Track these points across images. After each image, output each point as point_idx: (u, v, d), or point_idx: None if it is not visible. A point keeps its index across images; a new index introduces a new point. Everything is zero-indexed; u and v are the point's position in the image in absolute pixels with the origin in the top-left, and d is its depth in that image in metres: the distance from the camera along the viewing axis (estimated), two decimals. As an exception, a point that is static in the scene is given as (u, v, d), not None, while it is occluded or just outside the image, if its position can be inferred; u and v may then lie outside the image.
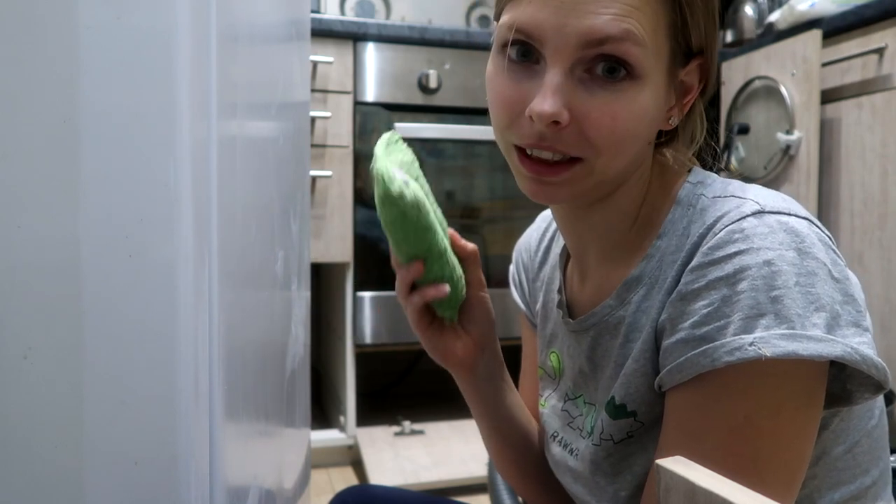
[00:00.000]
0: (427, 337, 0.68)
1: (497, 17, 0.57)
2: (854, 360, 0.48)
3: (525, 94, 0.53)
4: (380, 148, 0.60)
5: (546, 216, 0.78)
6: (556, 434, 0.69)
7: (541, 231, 0.78)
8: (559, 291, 0.69)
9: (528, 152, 0.54)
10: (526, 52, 0.53)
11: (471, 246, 0.67)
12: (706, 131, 0.64)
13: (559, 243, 0.73)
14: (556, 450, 0.69)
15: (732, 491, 0.27)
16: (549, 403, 0.72)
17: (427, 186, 0.64)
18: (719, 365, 0.48)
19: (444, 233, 0.63)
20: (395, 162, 0.60)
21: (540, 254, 0.76)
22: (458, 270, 0.65)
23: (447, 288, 0.63)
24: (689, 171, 0.62)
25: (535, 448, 0.77)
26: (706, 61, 0.57)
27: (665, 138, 0.62)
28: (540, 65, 0.53)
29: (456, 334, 0.68)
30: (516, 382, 0.84)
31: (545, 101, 0.51)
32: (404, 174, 0.58)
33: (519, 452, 0.77)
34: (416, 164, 0.64)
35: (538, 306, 0.75)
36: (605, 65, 0.51)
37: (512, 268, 0.81)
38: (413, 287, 0.64)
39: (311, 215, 1.78)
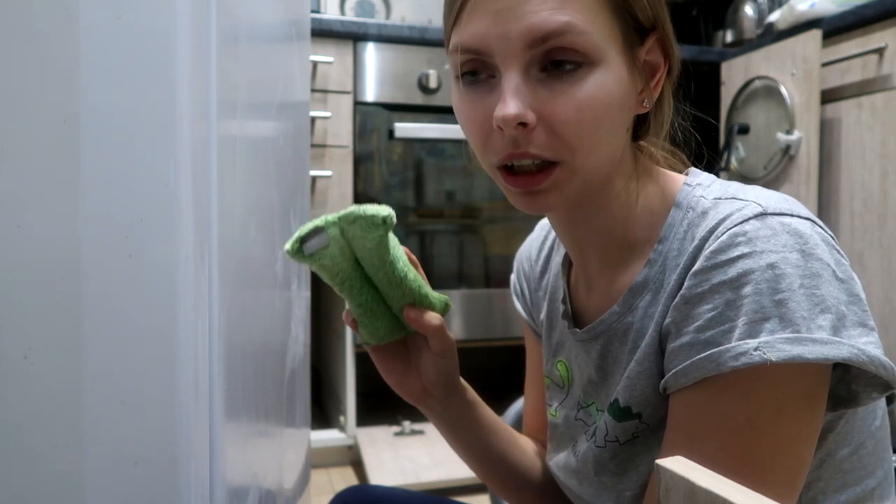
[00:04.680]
0: (377, 357, 0.66)
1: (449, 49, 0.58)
2: (861, 361, 0.48)
3: (488, 108, 0.54)
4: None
5: (545, 224, 0.78)
6: (574, 444, 0.68)
7: (540, 240, 0.77)
8: (563, 301, 0.68)
9: (510, 166, 0.55)
10: (480, 70, 0.54)
11: (429, 321, 0.61)
12: (691, 130, 0.64)
13: (560, 251, 0.72)
14: (567, 457, 0.68)
15: (732, 491, 0.27)
16: (561, 413, 0.70)
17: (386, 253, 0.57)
18: (725, 370, 0.48)
19: (392, 275, 0.59)
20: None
21: (541, 263, 0.76)
22: (371, 303, 0.61)
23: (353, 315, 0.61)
24: (687, 173, 0.62)
25: (534, 478, 0.76)
26: (662, 36, 0.57)
27: (642, 129, 0.62)
28: (496, 77, 0.54)
29: (407, 367, 0.66)
30: (522, 385, 0.84)
31: (507, 105, 0.51)
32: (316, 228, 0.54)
33: (515, 481, 0.75)
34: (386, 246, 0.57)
35: (542, 316, 0.74)
36: (556, 59, 0.52)
37: (513, 277, 0.81)
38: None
39: (311, 215, 1.78)
